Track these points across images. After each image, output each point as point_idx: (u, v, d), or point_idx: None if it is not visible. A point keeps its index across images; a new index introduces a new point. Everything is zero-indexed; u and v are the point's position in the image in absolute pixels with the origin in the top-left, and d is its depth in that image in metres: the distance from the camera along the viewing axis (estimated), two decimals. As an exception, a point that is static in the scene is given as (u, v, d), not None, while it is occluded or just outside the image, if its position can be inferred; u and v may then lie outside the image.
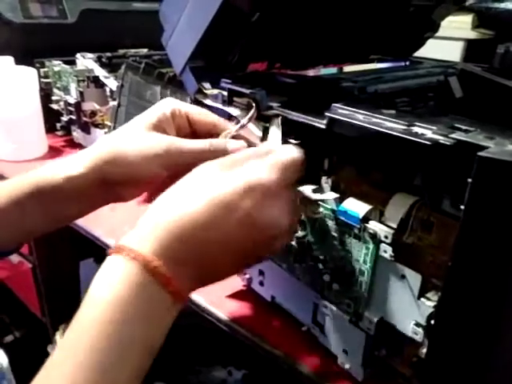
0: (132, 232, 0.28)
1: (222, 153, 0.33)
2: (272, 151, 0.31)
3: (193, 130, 0.38)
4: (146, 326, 0.26)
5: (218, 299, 0.48)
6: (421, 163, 0.29)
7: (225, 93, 0.39)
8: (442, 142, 0.24)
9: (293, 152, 0.31)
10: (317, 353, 0.41)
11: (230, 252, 0.28)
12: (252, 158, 0.30)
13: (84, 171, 0.35)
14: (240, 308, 0.47)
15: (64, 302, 0.79)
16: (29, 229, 0.38)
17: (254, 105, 0.37)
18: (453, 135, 0.25)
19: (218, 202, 0.27)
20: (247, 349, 0.44)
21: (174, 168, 0.34)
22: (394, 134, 0.25)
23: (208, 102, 0.41)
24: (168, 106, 0.37)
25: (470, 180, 0.23)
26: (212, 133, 0.37)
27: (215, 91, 0.40)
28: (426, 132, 0.26)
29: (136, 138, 0.35)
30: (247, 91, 0.36)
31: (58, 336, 0.82)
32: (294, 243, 0.38)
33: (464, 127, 0.27)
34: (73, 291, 0.81)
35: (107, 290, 0.25)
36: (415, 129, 0.26)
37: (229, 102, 0.39)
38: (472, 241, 0.25)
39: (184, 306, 0.28)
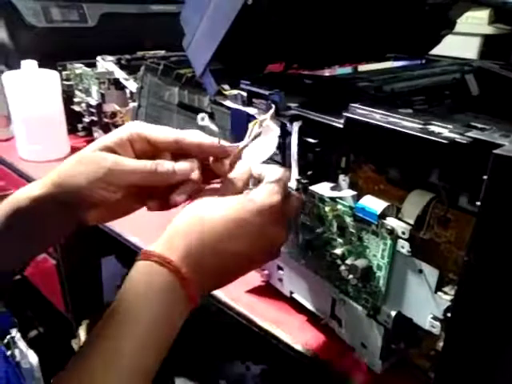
0: (160, 239, 0.31)
1: (169, 175, 0.34)
2: (267, 175, 0.35)
3: (157, 152, 0.36)
4: (167, 326, 0.29)
5: (238, 294, 0.49)
6: (437, 161, 0.30)
7: (244, 94, 0.40)
8: (458, 140, 0.25)
9: (282, 173, 0.35)
10: (335, 346, 0.42)
11: (243, 262, 0.33)
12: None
13: (40, 192, 0.35)
14: (259, 303, 0.48)
15: (86, 297, 0.82)
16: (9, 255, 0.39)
17: (272, 106, 0.38)
18: (469, 133, 0.26)
19: (233, 218, 0.31)
20: (265, 344, 0.45)
21: (127, 188, 0.34)
22: (411, 133, 0.26)
23: (227, 102, 0.42)
24: (126, 130, 0.36)
25: (485, 177, 0.24)
26: (204, 154, 0.36)
27: (234, 92, 0.41)
28: (443, 131, 0.26)
29: (83, 161, 0.35)
30: (266, 92, 0.38)
31: (81, 331, 0.84)
32: (312, 240, 0.39)
33: (480, 125, 0.27)
34: (95, 287, 0.83)
35: (136, 292, 0.28)
36: (432, 127, 0.27)
37: (248, 103, 0.40)
38: (488, 236, 0.25)
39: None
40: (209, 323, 0.71)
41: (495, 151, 0.23)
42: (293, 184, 0.38)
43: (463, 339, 0.28)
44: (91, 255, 0.85)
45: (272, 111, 0.38)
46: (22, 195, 0.36)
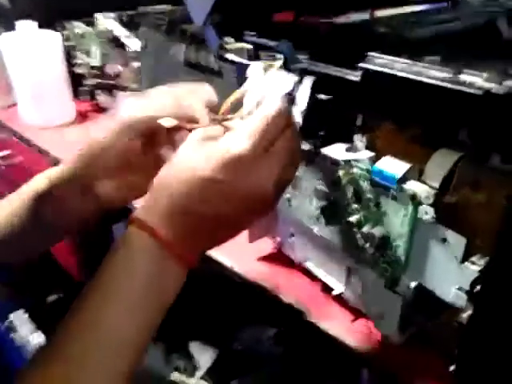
0: (142, 205, 0.30)
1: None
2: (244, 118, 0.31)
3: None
4: (154, 288, 0.28)
5: (249, 261, 0.47)
6: (468, 115, 0.26)
7: (249, 47, 0.36)
8: (494, 91, 0.21)
9: (266, 111, 0.29)
10: (349, 316, 0.40)
11: (224, 223, 0.29)
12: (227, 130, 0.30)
13: (58, 173, 0.36)
14: (270, 271, 0.46)
15: (99, 264, 0.81)
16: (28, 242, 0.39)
17: (281, 57, 0.34)
18: (507, 82, 0.22)
19: (197, 179, 0.28)
20: (279, 306, 0.43)
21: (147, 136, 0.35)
22: (440, 84, 0.23)
23: (232, 56, 0.38)
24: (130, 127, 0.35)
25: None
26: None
27: (239, 45, 0.37)
28: (476, 80, 0.23)
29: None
30: (273, 43, 0.34)
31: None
32: (325, 206, 0.36)
33: (520, 72, 0.23)
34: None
35: (116, 259, 0.29)
36: (463, 77, 0.23)
37: (254, 56, 0.36)
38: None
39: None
40: (221, 287, 0.70)
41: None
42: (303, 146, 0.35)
43: (492, 314, 0.25)
44: (102, 222, 0.84)
45: (281, 62, 0.34)
46: (41, 178, 0.37)
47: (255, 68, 0.32)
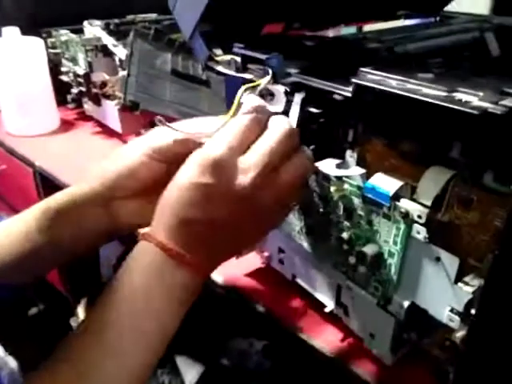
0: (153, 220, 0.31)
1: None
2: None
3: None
4: (166, 300, 0.29)
5: (237, 277, 0.46)
6: (462, 133, 0.25)
7: (238, 59, 0.36)
8: (491, 110, 0.21)
9: (242, 116, 0.31)
10: (340, 334, 0.39)
11: (224, 228, 0.29)
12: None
13: (76, 189, 0.36)
14: (259, 286, 0.45)
15: (84, 277, 0.79)
16: (40, 262, 0.37)
17: (269, 71, 0.33)
18: (503, 102, 0.22)
19: (187, 185, 0.29)
20: (267, 320, 0.42)
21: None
22: (436, 102, 0.22)
23: (220, 68, 0.37)
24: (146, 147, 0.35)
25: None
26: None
27: (227, 57, 0.37)
28: (472, 99, 0.22)
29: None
30: (262, 57, 0.33)
31: (79, 309, 0.83)
32: (316, 222, 0.35)
33: (515, 92, 0.23)
34: (92, 267, 0.81)
35: (133, 269, 0.29)
36: (458, 95, 0.23)
37: (243, 68, 0.36)
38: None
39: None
40: (209, 302, 0.69)
41: (540, 124, 0.19)
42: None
43: (488, 340, 0.25)
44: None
45: (269, 77, 0.33)
46: (55, 197, 0.36)
47: (250, 99, 0.32)
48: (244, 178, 0.28)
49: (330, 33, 0.52)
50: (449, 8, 0.58)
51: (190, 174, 0.29)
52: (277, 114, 0.32)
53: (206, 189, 0.28)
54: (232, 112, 0.33)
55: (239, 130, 0.30)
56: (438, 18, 0.54)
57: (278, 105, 0.33)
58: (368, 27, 0.53)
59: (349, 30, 0.54)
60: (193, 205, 0.28)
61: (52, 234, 0.35)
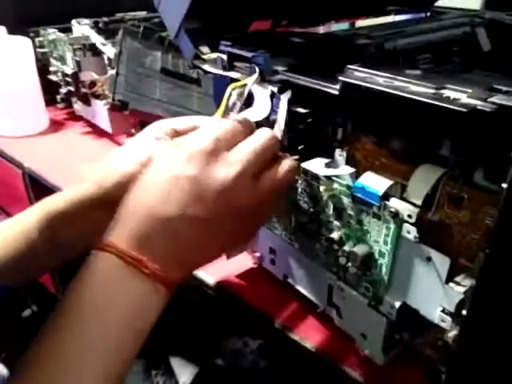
0: (109, 226, 0.28)
1: None
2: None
3: None
4: (131, 311, 0.26)
5: (229, 277, 0.45)
6: (451, 131, 0.25)
7: (224, 57, 0.35)
8: (480, 108, 0.20)
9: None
10: (333, 334, 0.39)
11: (201, 226, 0.27)
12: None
13: (77, 192, 0.35)
14: (251, 287, 0.45)
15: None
16: (38, 263, 0.37)
17: (257, 69, 0.33)
18: (492, 99, 0.21)
19: (165, 179, 0.27)
20: (262, 322, 0.42)
21: None
22: (424, 100, 0.21)
23: (206, 67, 0.37)
24: (155, 128, 0.35)
25: (514, 153, 0.19)
26: None
27: (214, 55, 0.36)
28: (460, 96, 0.22)
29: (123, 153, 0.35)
30: (249, 54, 0.32)
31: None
32: (306, 222, 0.35)
33: (504, 88, 0.23)
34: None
35: (88, 282, 0.26)
36: (446, 92, 0.22)
37: (229, 67, 0.35)
38: (513, 223, 0.21)
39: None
40: (202, 303, 0.68)
41: (529, 121, 0.18)
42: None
43: (480, 340, 0.24)
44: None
45: (256, 76, 0.32)
46: (56, 198, 0.35)
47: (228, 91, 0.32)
48: (229, 170, 0.27)
49: (321, 29, 0.52)
50: (441, 3, 0.57)
51: (171, 166, 0.27)
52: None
53: (188, 181, 0.26)
54: (220, 112, 0.33)
55: (226, 127, 0.29)
56: (428, 14, 0.54)
57: (264, 108, 0.33)
58: (360, 23, 0.53)
59: (341, 26, 0.54)
60: (171, 201, 0.26)
61: (51, 236, 0.35)
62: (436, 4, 0.57)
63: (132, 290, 0.26)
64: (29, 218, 0.35)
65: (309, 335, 0.39)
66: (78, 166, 0.65)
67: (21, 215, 0.36)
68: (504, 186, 0.20)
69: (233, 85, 0.32)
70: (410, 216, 0.28)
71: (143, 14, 0.86)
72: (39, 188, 0.68)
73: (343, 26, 0.55)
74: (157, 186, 0.27)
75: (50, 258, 0.37)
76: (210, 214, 0.27)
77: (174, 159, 0.27)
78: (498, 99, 0.21)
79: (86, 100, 0.75)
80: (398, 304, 0.31)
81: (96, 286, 0.26)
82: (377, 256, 0.31)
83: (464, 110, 0.20)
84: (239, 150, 0.28)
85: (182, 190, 0.27)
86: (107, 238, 0.27)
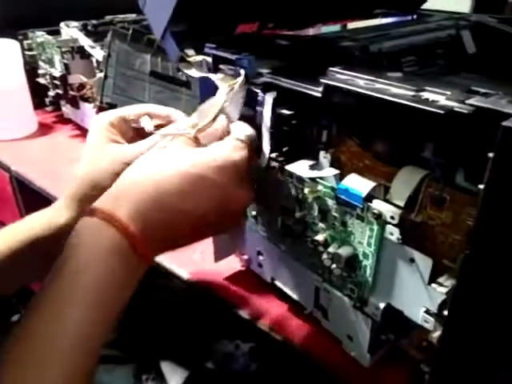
0: (108, 194, 0.28)
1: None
2: (234, 130, 0.33)
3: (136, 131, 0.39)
4: (116, 288, 0.26)
5: (217, 280, 0.45)
6: (432, 133, 0.25)
7: (209, 59, 0.35)
8: (457, 109, 0.21)
9: (252, 131, 0.33)
10: (320, 336, 0.39)
11: (195, 221, 0.29)
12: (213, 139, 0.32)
13: (66, 218, 0.36)
14: (239, 289, 0.45)
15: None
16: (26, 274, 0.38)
17: (242, 72, 0.33)
18: (470, 101, 0.21)
19: (189, 173, 0.28)
20: (251, 325, 0.42)
21: None
22: (402, 102, 0.22)
23: (192, 71, 0.37)
24: (103, 119, 0.37)
25: (491, 155, 0.19)
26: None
27: (199, 58, 0.36)
28: (439, 98, 0.22)
29: (98, 166, 0.35)
30: (233, 57, 0.32)
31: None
32: (291, 224, 0.35)
33: (482, 90, 0.23)
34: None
35: (82, 252, 0.26)
36: (426, 95, 0.22)
37: (214, 69, 0.35)
38: (492, 223, 0.21)
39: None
40: (191, 305, 0.68)
41: (504, 123, 0.18)
42: (266, 163, 0.34)
43: (462, 340, 0.24)
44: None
45: (241, 79, 0.32)
46: (40, 223, 0.36)
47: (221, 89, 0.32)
48: (238, 151, 0.30)
49: (311, 31, 0.52)
50: (429, 6, 0.58)
51: (198, 165, 0.29)
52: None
53: (208, 184, 0.28)
54: (213, 115, 0.33)
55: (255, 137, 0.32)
56: (415, 16, 0.54)
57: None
58: (352, 25, 0.53)
59: (332, 29, 0.54)
60: (183, 195, 0.28)
61: (36, 246, 0.35)
62: (424, 7, 0.58)
63: (110, 249, 0.26)
64: (15, 230, 0.36)
65: (296, 337, 0.39)
66: (66, 169, 0.65)
67: (9, 227, 0.36)
68: (481, 187, 0.20)
69: (228, 87, 0.32)
70: (392, 217, 0.28)
71: (133, 16, 0.86)
72: (27, 191, 0.67)
73: (335, 28, 0.55)
74: (180, 179, 0.28)
75: (37, 265, 0.36)
76: (218, 218, 0.30)
77: (206, 164, 0.29)
78: (475, 101, 0.21)
79: (74, 103, 0.75)
80: (382, 305, 0.31)
81: (80, 247, 0.26)
82: (361, 257, 0.31)
83: (441, 111, 0.20)
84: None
85: (204, 192, 0.29)
86: (106, 206, 0.27)
